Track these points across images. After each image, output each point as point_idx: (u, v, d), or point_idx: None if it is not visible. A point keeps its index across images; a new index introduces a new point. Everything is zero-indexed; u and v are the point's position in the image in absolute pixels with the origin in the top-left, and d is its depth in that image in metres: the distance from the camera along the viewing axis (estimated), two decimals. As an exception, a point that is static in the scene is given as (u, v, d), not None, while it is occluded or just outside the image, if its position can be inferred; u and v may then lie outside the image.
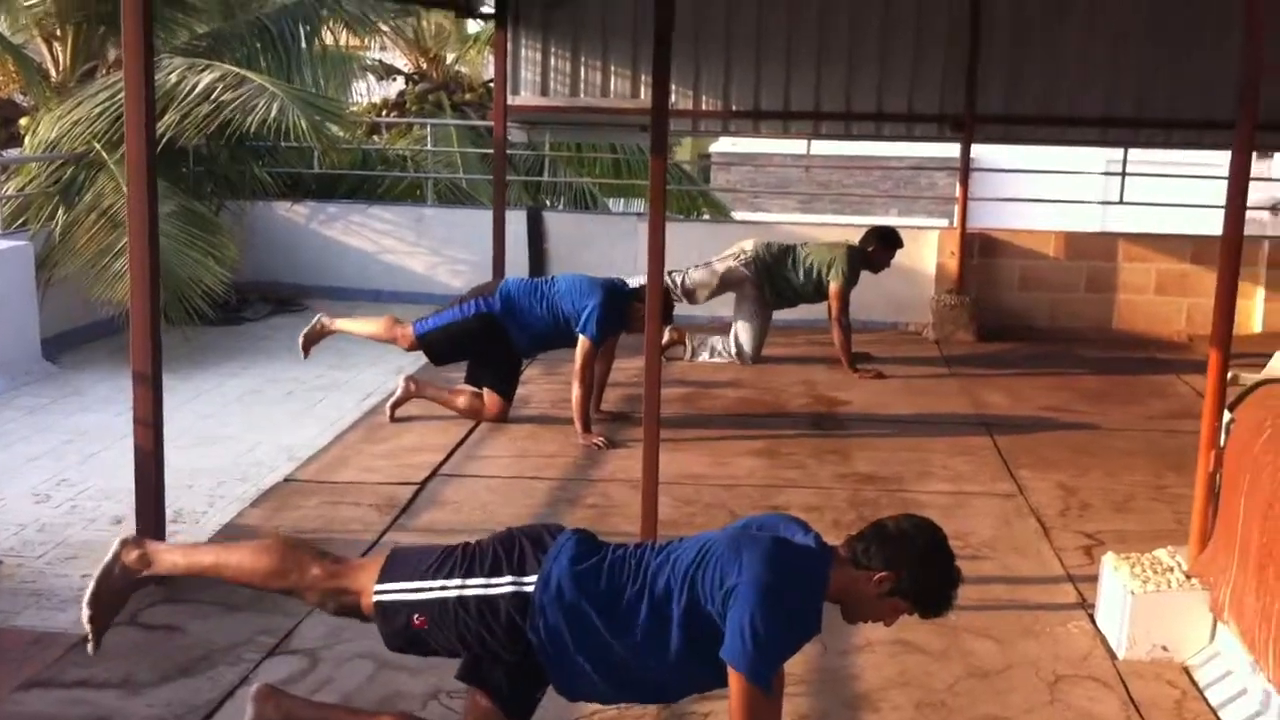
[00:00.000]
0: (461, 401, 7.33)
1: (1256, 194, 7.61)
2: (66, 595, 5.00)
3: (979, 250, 10.27)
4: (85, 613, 3.60)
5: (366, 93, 18.75)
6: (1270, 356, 8.39)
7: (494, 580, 3.43)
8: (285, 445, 7.08)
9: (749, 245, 8.96)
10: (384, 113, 16.96)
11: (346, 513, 5.90)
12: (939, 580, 3.42)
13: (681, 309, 8.81)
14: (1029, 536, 5.73)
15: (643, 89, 10.36)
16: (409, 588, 3.46)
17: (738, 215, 16.78)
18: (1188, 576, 4.62)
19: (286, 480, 6.37)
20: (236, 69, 10.27)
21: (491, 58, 17.38)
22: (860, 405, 7.97)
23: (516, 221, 10.65)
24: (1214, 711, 4.21)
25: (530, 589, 3.40)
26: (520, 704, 3.56)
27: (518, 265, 10.18)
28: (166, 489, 5.11)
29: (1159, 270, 10.23)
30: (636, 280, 7.86)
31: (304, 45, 12.59)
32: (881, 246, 8.85)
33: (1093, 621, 4.82)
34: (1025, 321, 10.24)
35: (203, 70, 10.05)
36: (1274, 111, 4.70)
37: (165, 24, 10.71)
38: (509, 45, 10.16)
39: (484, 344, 7.20)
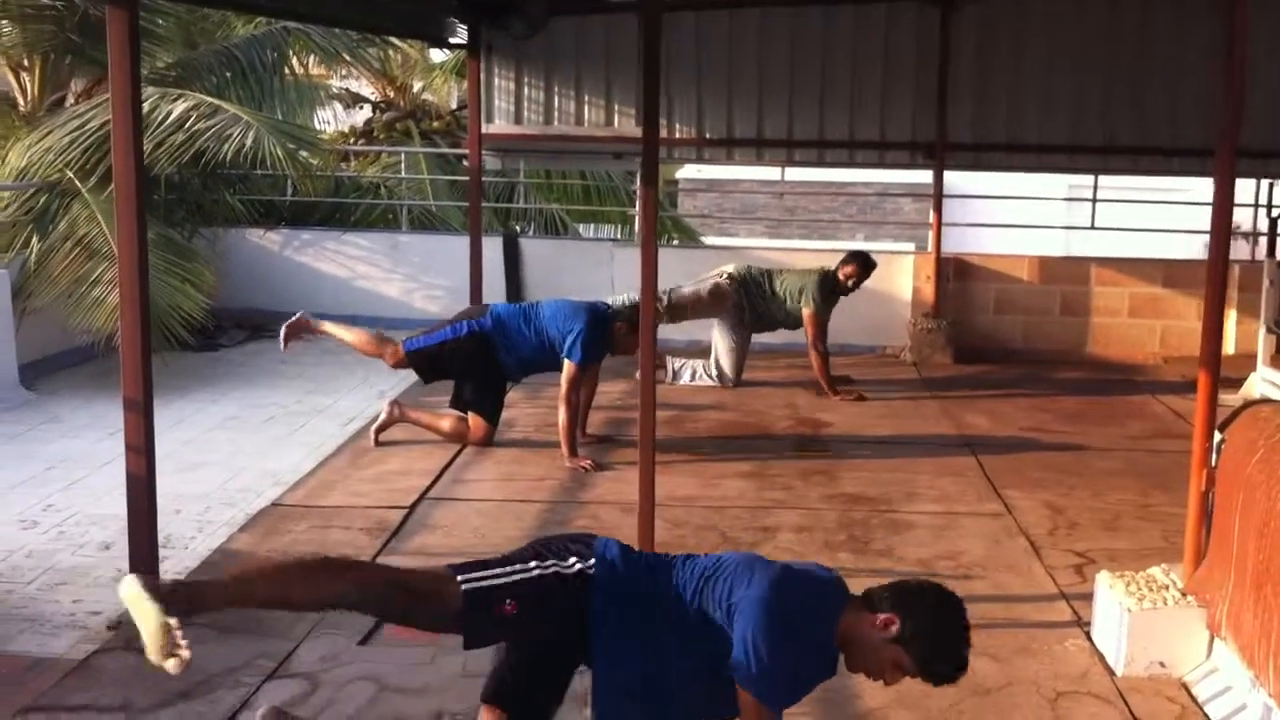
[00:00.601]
0: (446, 425, 7.31)
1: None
2: (59, 621, 4.95)
3: (954, 274, 10.38)
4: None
5: (334, 120, 18.73)
6: (1244, 378, 8.58)
7: (565, 561, 3.47)
8: (269, 470, 7.04)
9: (730, 268, 9.02)
10: (352, 140, 16.94)
11: (337, 536, 5.87)
12: (944, 636, 3.32)
13: (660, 333, 8.82)
14: (1020, 555, 5.78)
15: (616, 117, 10.42)
16: (495, 573, 3.43)
17: (707, 240, 16.83)
18: (1183, 594, 4.67)
19: (274, 505, 6.34)
20: (209, 98, 10.26)
21: (459, 86, 17.54)
22: (843, 427, 8.02)
23: (492, 248, 10.66)
24: (1215, 726, 4.26)
25: (593, 570, 3.45)
26: None
27: (494, 291, 10.18)
28: (154, 515, 5.09)
29: (1132, 294, 10.37)
30: (621, 299, 7.91)
31: (273, 74, 12.61)
32: (853, 265, 8.87)
33: (1089, 639, 4.86)
34: (1001, 344, 10.35)
35: (175, 99, 10.05)
36: (1247, 137, 4.76)
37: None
38: (482, 75, 10.19)
39: (473, 364, 7.20)
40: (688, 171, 21.18)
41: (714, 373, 9.01)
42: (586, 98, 10.47)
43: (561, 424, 7.02)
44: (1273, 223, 9.17)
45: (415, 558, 5.61)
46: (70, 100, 11.07)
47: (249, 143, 9.69)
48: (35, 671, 4.46)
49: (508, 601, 3.39)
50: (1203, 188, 8.56)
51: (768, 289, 8.90)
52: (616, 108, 10.40)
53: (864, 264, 8.91)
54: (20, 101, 10.99)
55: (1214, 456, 4.60)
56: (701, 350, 9.37)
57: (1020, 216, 13.18)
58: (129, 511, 5.05)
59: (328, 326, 7.40)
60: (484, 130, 10.12)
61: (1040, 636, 4.89)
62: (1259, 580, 4.12)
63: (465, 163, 11.44)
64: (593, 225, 16.90)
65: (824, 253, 10.02)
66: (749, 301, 8.87)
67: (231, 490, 6.71)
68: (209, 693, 4.30)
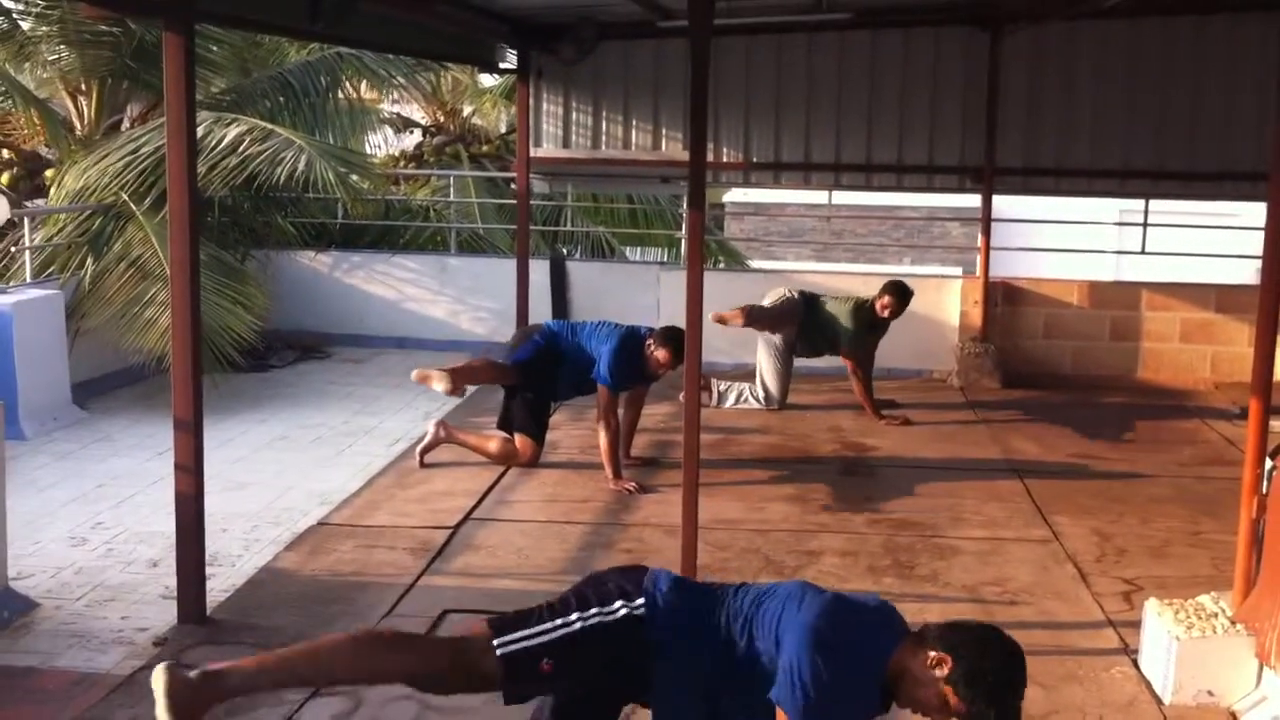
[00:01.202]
0: (494, 446, 7.35)
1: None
2: (106, 637, 5.01)
3: (1002, 299, 10.31)
4: None
5: (384, 144, 18.91)
6: (1296, 404, 8.43)
7: (608, 608, 3.44)
8: (316, 490, 7.09)
9: (784, 290, 9.01)
10: (402, 164, 17.09)
11: (381, 556, 5.91)
12: (997, 684, 3.20)
13: (706, 354, 8.80)
14: (1067, 582, 5.72)
15: (664, 141, 10.46)
16: (530, 633, 3.41)
17: (754, 264, 16.82)
18: (1232, 622, 4.61)
19: (320, 524, 6.39)
20: (262, 123, 10.41)
21: (508, 110, 17.67)
22: (889, 451, 7.98)
23: (538, 270, 10.71)
24: (1264, 756, 4.20)
25: (641, 610, 3.43)
26: None
27: (540, 313, 10.21)
28: (202, 533, 5.16)
29: (1183, 319, 10.25)
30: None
31: (325, 99, 12.76)
32: (892, 300, 8.74)
33: (1136, 667, 4.81)
34: (1049, 369, 10.26)
35: (229, 124, 10.20)
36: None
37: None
38: (530, 99, 10.26)
39: (542, 377, 7.31)
40: (734, 195, 21.22)
41: (760, 395, 9.00)
42: (634, 121, 10.52)
43: (603, 446, 7.03)
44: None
45: (459, 578, 5.66)
46: (126, 124, 11.24)
47: (301, 166, 9.81)
48: (82, 687, 4.52)
49: (544, 661, 3.38)
50: (1255, 212, 8.45)
51: (818, 312, 8.87)
52: (664, 131, 10.44)
53: (900, 295, 8.81)
54: (77, 125, 11.18)
55: (1265, 484, 4.54)
56: (747, 373, 9.36)
57: (1070, 241, 13.08)
58: (177, 529, 5.11)
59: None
60: (532, 154, 10.20)
61: (1087, 664, 4.85)
62: (1310, 609, 4.07)
63: (513, 186, 11.52)
64: (639, 248, 16.93)
65: (871, 276, 9.98)
66: (810, 320, 8.84)
67: (278, 509, 6.77)
68: (252, 709, 4.33)
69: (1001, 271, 10.72)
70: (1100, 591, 5.60)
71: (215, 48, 11.51)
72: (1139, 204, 11.38)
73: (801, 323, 8.85)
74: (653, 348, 7.05)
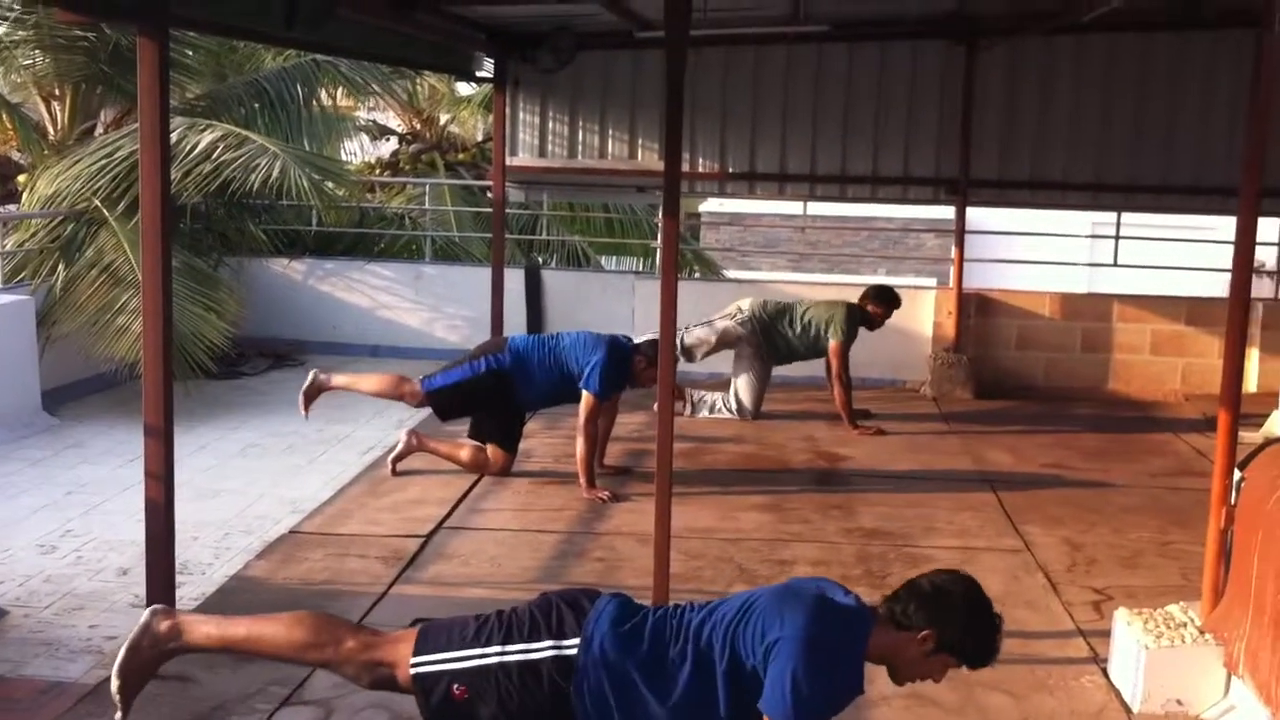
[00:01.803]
0: (465, 455, 7.33)
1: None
2: (75, 645, 4.98)
3: (975, 310, 10.36)
4: (114, 682, 3.63)
5: (360, 152, 18.91)
6: (1266, 416, 8.53)
7: (533, 645, 3.42)
8: (288, 498, 7.07)
9: (745, 304, 9.04)
10: (378, 171, 17.08)
11: (353, 565, 5.89)
12: (982, 630, 3.46)
13: (680, 366, 8.84)
14: (1038, 592, 5.75)
15: (640, 151, 10.48)
16: (447, 657, 3.43)
17: (729, 274, 16.86)
18: (1201, 632, 4.64)
19: (291, 532, 6.35)
20: (237, 129, 10.38)
21: (485, 119, 17.68)
22: (862, 461, 8.00)
23: (513, 279, 10.71)
24: (1232, 765, 4.22)
25: (572, 652, 3.40)
26: None
27: (515, 322, 10.22)
28: (173, 541, 5.12)
29: (1154, 331, 10.32)
30: (646, 338, 7.94)
31: (301, 106, 12.74)
32: (879, 304, 8.94)
33: (1106, 676, 4.83)
34: (1022, 380, 10.31)
35: (204, 130, 10.17)
36: (1271, 176, 4.77)
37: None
38: (507, 108, 10.27)
39: (492, 399, 7.21)
40: (710, 205, 21.26)
41: (733, 405, 9.02)
42: (610, 131, 10.53)
43: (579, 455, 7.02)
44: (1296, 261, 9.13)
45: (430, 587, 5.64)
46: (100, 130, 11.21)
47: (275, 173, 9.80)
48: (50, 696, 4.49)
49: (455, 687, 3.40)
50: (1226, 226, 8.53)
51: (786, 322, 8.90)
52: (640, 141, 10.46)
53: (891, 301, 8.93)
54: (50, 130, 11.13)
55: (1234, 495, 4.57)
56: (721, 383, 9.37)
57: (1043, 253, 13.15)
58: (147, 537, 5.08)
59: (340, 381, 7.39)
60: (508, 162, 10.20)
61: (1057, 673, 4.86)
62: (1277, 618, 4.09)
63: (489, 194, 11.51)
64: (615, 258, 16.96)
65: (846, 287, 10.01)
66: (765, 336, 8.88)
67: (250, 517, 6.74)
68: (224, 718, 4.31)
69: (975, 283, 10.78)
70: (1070, 601, 5.62)
71: (191, 53, 11.49)
72: (1111, 217, 11.46)
73: (768, 335, 8.86)
74: (644, 363, 7.05)
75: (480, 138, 18.50)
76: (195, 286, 9.36)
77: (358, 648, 3.58)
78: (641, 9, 7.99)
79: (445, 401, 7.27)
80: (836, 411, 8.77)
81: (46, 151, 10.80)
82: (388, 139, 18.75)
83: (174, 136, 9.77)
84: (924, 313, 10.45)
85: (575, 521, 6.64)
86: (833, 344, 8.72)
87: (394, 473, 7.35)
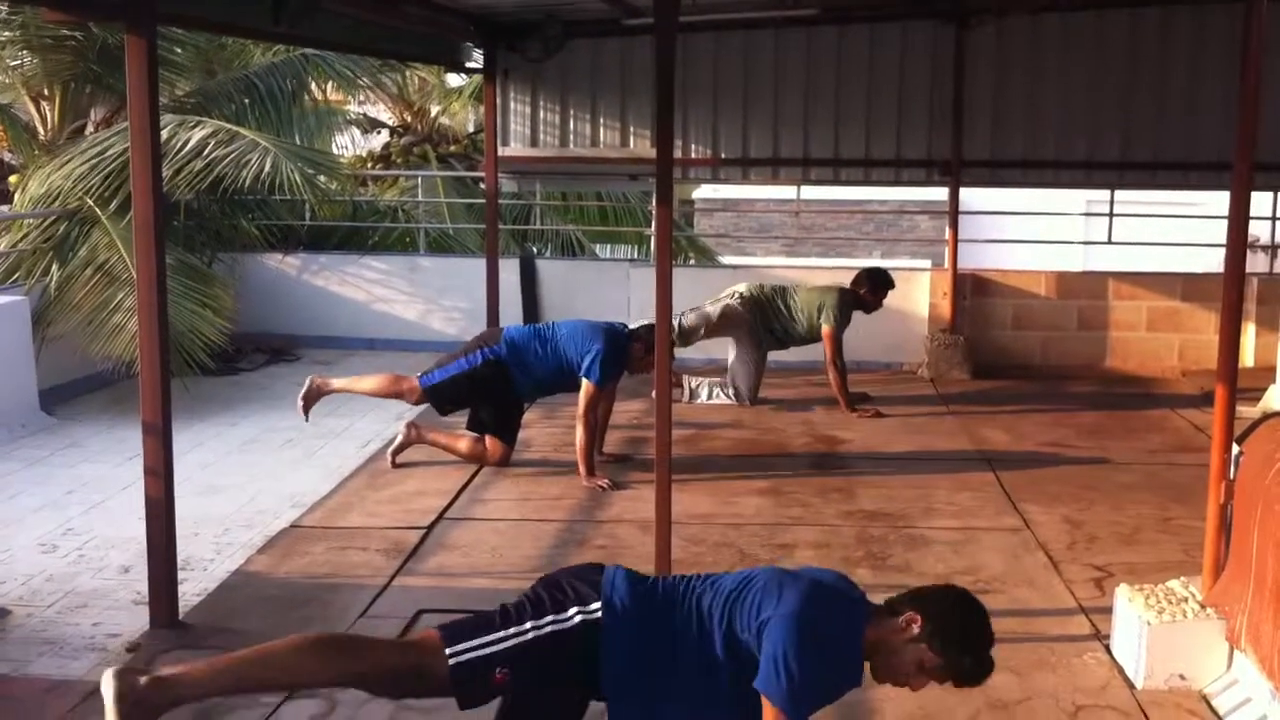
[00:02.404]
0: (464, 446, 7.33)
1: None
2: (78, 644, 4.98)
3: (971, 290, 10.36)
4: None
5: (351, 145, 18.86)
6: (1263, 391, 8.54)
7: (562, 615, 3.44)
8: (288, 493, 7.07)
9: (742, 288, 9.04)
10: (370, 165, 17.04)
11: (354, 558, 5.90)
12: (967, 631, 3.35)
13: (678, 350, 8.84)
14: (1039, 570, 5.76)
15: (631, 139, 10.46)
16: (484, 642, 3.41)
17: (724, 259, 16.86)
18: (1203, 606, 4.65)
19: (292, 526, 6.36)
20: (227, 125, 10.35)
21: (476, 110, 17.64)
22: (861, 444, 8.01)
23: (508, 269, 10.70)
24: (1235, 738, 4.24)
25: (597, 615, 3.43)
26: None
27: (511, 313, 10.21)
28: (174, 537, 5.13)
29: (1150, 308, 10.33)
30: (642, 324, 7.94)
31: (291, 101, 12.70)
32: (873, 288, 8.94)
33: (1108, 652, 4.84)
34: (1018, 360, 10.32)
35: (194, 126, 10.14)
36: (1264, 151, 4.77)
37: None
38: (498, 98, 10.24)
39: (490, 391, 7.22)
40: (704, 191, 21.25)
41: (731, 391, 9.02)
42: (602, 120, 10.51)
43: (579, 443, 7.03)
44: (1290, 235, 9.13)
45: (432, 578, 5.65)
46: (90, 129, 11.17)
47: (267, 168, 9.76)
48: (54, 694, 4.48)
49: (498, 670, 3.39)
50: (1220, 201, 8.54)
51: (783, 306, 8.91)
52: (632, 129, 10.44)
53: (884, 284, 8.94)
54: (41, 130, 11.10)
55: (1233, 469, 4.58)
56: (718, 369, 9.38)
57: (1037, 232, 13.16)
58: (148, 534, 5.09)
59: (338, 384, 7.41)
60: (500, 153, 10.18)
61: (1059, 650, 4.88)
62: (1278, 592, 4.10)
63: (482, 185, 11.50)
64: (609, 246, 16.93)
65: (841, 270, 10.01)
66: (762, 320, 8.89)
67: (250, 512, 6.74)
68: (228, 712, 4.32)
69: (970, 263, 10.79)
70: (1071, 578, 5.63)
71: (179, 50, 11.44)
72: (1105, 194, 11.46)
73: (765, 318, 8.87)
74: (642, 350, 7.06)
75: (471, 129, 18.46)
76: (190, 283, 9.33)
77: (394, 648, 3.56)
78: (630, -4, 7.98)
79: (444, 396, 7.28)
80: (834, 395, 8.77)
81: (37, 151, 10.77)
82: (379, 132, 18.71)
83: (164, 134, 9.70)
84: (920, 294, 10.45)
85: (575, 510, 6.64)
86: (825, 329, 8.73)
87: (393, 465, 7.35)
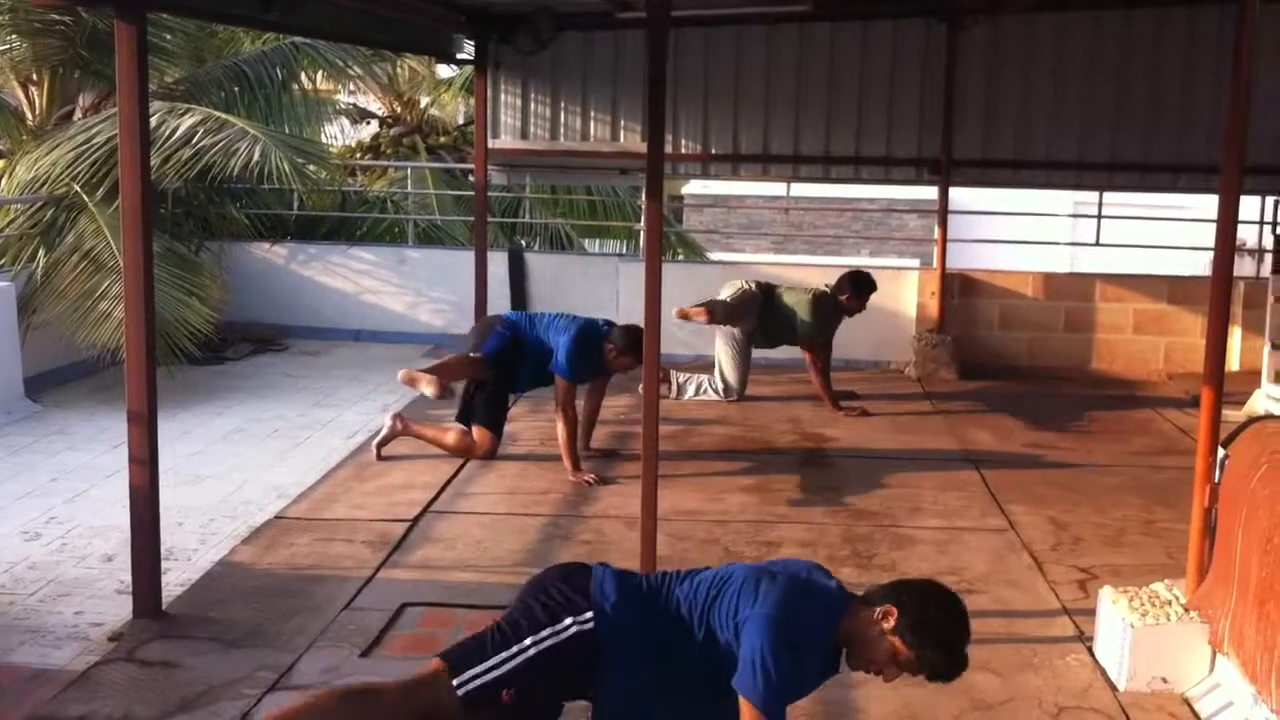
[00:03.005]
0: (451, 438, 7.32)
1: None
2: (61, 632, 4.96)
3: (959, 290, 10.38)
4: None
5: (341, 135, 18.81)
6: (1248, 394, 8.57)
7: (558, 626, 3.47)
8: (273, 483, 7.04)
9: (740, 283, 9.03)
10: (359, 155, 17.00)
11: (339, 549, 5.88)
12: (941, 626, 3.36)
13: (665, 346, 8.81)
14: (1023, 571, 5.77)
15: (622, 133, 10.45)
16: (487, 667, 3.45)
17: (713, 256, 16.85)
18: (1186, 609, 4.66)
19: (277, 518, 6.34)
20: (216, 113, 10.31)
21: (466, 101, 17.60)
22: (847, 442, 8.01)
23: (497, 262, 10.68)
24: (1217, 741, 4.25)
25: (590, 624, 3.47)
26: None
27: (499, 305, 10.18)
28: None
29: (1136, 310, 10.35)
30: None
31: (281, 90, 12.65)
32: (855, 292, 8.83)
33: (1091, 654, 4.85)
34: (1005, 360, 10.33)
35: (183, 114, 10.09)
36: (1253, 154, 4.78)
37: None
38: (489, 90, 10.22)
39: (509, 367, 7.27)
40: (693, 187, 21.21)
41: (719, 387, 9.02)
42: (592, 113, 10.50)
43: (561, 437, 7.03)
44: (1277, 239, 9.15)
45: (418, 571, 5.64)
46: (78, 114, 11.10)
47: (256, 157, 9.72)
48: (37, 683, 4.47)
49: (504, 692, 3.43)
50: (1208, 205, 8.56)
51: (772, 303, 8.90)
52: (622, 123, 10.43)
53: (866, 289, 8.88)
54: (28, 115, 11.03)
55: (1217, 473, 4.59)
56: (706, 365, 9.37)
57: (1025, 232, 13.17)
58: (132, 523, 5.07)
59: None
60: (490, 145, 10.16)
61: (1043, 652, 4.88)
62: (1261, 596, 4.12)
63: (471, 178, 11.46)
64: (598, 240, 16.92)
65: (829, 268, 10.01)
66: (768, 312, 8.87)
67: (235, 503, 6.72)
68: (210, 704, 4.31)
69: (958, 263, 10.80)
70: (1056, 580, 5.64)
71: (169, 36, 11.38)
72: (1093, 196, 11.48)
73: (760, 314, 8.87)
74: (614, 352, 7.06)
75: (462, 121, 18.44)
76: (177, 272, 9.28)
77: (400, 688, 3.56)
78: (622, -11, 7.96)
79: (503, 360, 7.27)
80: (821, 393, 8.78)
81: (25, 137, 10.70)
82: (368, 122, 18.66)
83: (153, 121, 9.65)
84: (907, 294, 10.46)
85: (561, 505, 6.64)
86: (803, 336, 8.74)
87: (379, 457, 7.34)
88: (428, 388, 7.09)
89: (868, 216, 21.64)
